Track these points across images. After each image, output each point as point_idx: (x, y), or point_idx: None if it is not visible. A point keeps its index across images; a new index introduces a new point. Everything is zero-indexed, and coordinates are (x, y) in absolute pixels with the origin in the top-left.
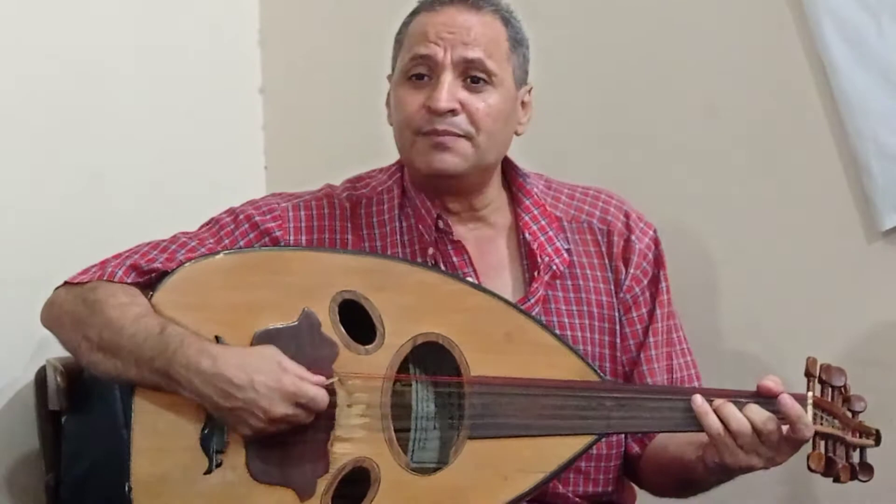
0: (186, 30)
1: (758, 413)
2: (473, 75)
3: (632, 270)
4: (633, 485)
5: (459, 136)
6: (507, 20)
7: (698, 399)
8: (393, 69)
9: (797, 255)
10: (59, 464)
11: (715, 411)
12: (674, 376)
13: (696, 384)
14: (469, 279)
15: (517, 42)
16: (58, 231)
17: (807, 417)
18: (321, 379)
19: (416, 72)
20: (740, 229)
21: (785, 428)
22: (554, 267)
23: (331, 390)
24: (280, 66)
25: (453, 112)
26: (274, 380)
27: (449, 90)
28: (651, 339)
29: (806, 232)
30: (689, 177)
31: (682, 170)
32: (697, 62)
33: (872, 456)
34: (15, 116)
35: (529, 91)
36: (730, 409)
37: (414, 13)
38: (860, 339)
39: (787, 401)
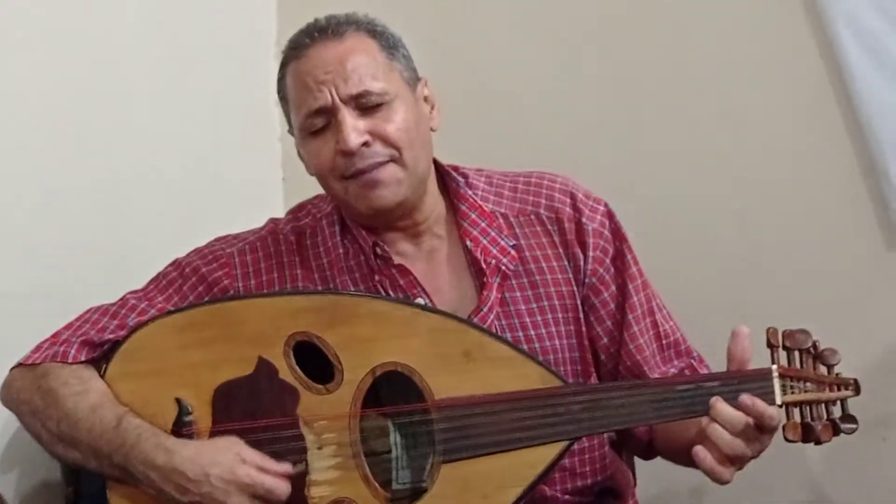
0: (204, 42)
1: (727, 417)
2: (369, 105)
3: (590, 253)
4: (628, 469)
5: (385, 162)
6: (373, 31)
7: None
8: (290, 125)
9: (816, 259)
10: (79, 478)
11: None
12: (663, 342)
13: (686, 346)
14: (420, 300)
15: (392, 47)
16: (75, 242)
17: (770, 410)
18: (285, 468)
19: (317, 127)
20: (758, 233)
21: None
22: (503, 267)
23: (299, 435)
24: None
25: (366, 144)
26: (229, 472)
27: (352, 128)
28: (630, 316)
29: (824, 236)
30: (706, 181)
31: (700, 174)
32: (715, 69)
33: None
34: (32, 128)
35: (426, 84)
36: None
37: (284, 64)
38: (878, 344)
39: (745, 401)
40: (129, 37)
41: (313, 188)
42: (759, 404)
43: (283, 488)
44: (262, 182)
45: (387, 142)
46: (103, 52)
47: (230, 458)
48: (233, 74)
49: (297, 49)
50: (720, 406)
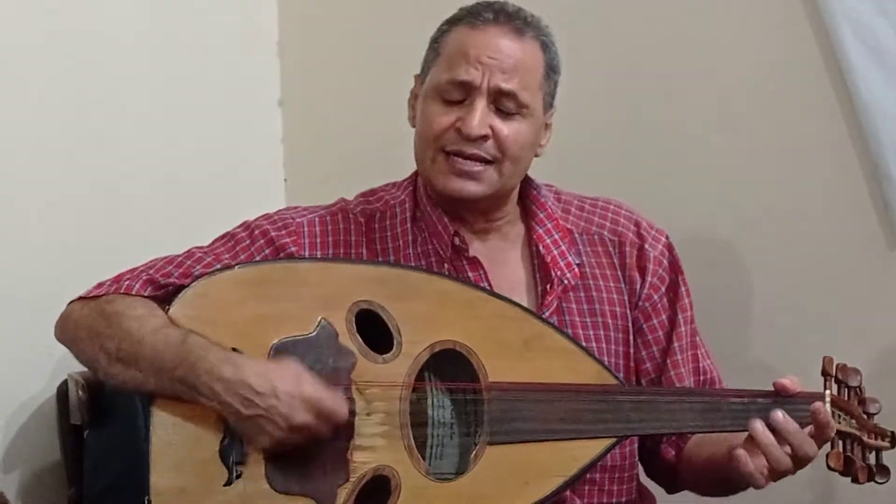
0: (205, 43)
1: (784, 423)
2: (505, 109)
3: (648, 279)
4: (653, 491)
5: (487, 161)
6: (547, 46)
7: (743, 457)
8: (423, 70)
9: (818, 263)
10: (81, 477)
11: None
12: (701, 378)
13: (721, 386)
14: (485, 286)
15: (552, 69)
16: (76, 246)
17: (833, 423)
18: (340, 395)
19: (452, 97)
20: (760, 238)
21: (807, 429)
22: (566, 281)
23: (350, 399)
24: (299, 79)
25: (484, 138)
26: (295, 387)
27: (482, 117)
28: (676, 345)
29: (827, 240)
30: (708, 185)
31: (702, 178)
32: (716, 71)
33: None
34: (32, 133)
35: (552, 114)
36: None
37: (455, 21)
38: (880, 346)
39: (819, 408)
40: (130, 38)
41: (316, 189)
42: (827, 414)
43: (344, 410)
44: (264, 183)
45: (500, 145)
46: (104, 54)
47: (295, 376)
48: (235, 75)
49: (476, 16)
50: (777, 414)
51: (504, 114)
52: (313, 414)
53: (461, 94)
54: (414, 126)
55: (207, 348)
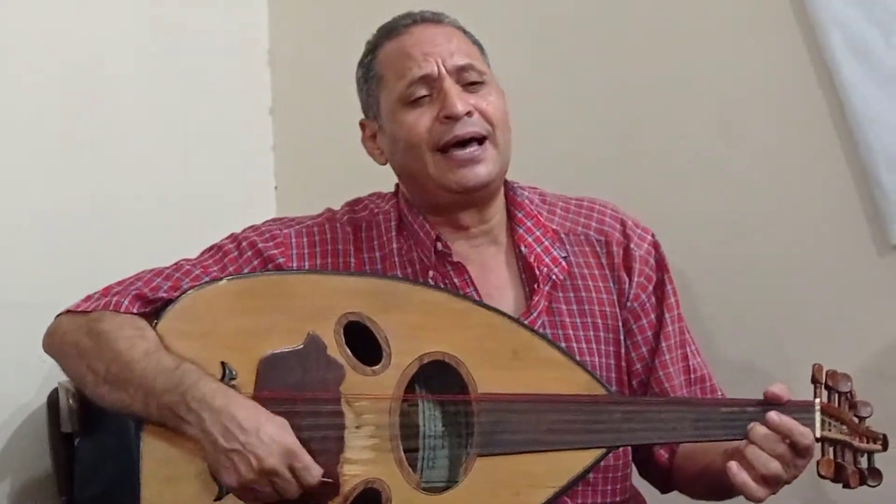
0: (196, 51)
1: (763, 438)
2: (470, 81)
3: (635, 278)
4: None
5: (483, 138)
6: (463, 28)
7: (734, 468)
8: (370, 111)
9: (808, 268)
10: (71, 486)
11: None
12: (691, 376)
13: (711, 383)
14: (473, 297)
15: (480, 45)
16: (68, 254)
17: (800, 427)
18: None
19: (418, 95)
20: (751, 243)
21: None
22: (553, 276)
23: (339, 412)
24: (290, 87)
25: (469, 114)
26: (279, 434)
27: (458, 94)
28: (664, 344)
29: (817, 245)
30: (700, 190)
31: (694, 184)
32: (708, 78)
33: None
34: (27, 142)
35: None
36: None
37: (377, 45)
38: (871, 351)
39: (773, 418)
40: (121, 46)
41: (307, 198)
42: (787, 421)
43: (317, 473)
44: (255, 191)
45: (485, 117)
46: (95, 63)
47: (282, 425)
48: (226, 83)
49: (395, 30)
50: (758, 428)
51: (473, 87)
52: (286, 464)
53: (426, 90)
54: (383, 163)
55: (201, 377)
